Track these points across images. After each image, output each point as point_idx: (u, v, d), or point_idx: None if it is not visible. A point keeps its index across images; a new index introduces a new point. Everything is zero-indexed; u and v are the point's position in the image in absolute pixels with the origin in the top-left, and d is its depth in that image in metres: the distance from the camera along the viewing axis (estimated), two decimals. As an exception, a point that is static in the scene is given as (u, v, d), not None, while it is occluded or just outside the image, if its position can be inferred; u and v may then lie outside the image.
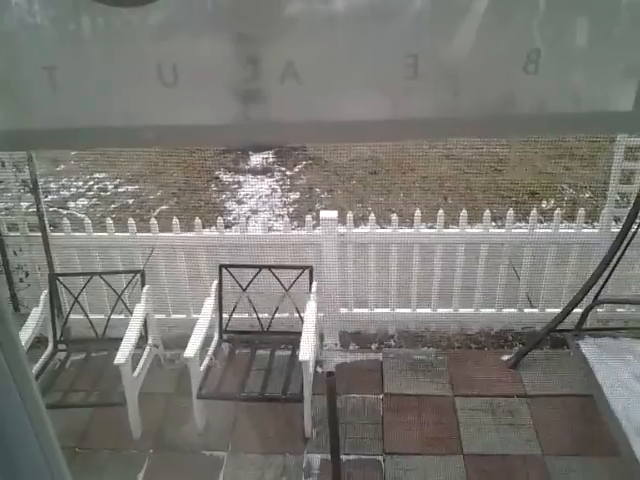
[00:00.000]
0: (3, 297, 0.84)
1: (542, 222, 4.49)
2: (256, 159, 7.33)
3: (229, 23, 0.67)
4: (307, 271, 3.90)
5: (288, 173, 7.07)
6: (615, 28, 0.66)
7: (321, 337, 4.29)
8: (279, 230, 4.43)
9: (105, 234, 4.19)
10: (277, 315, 3.99)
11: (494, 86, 0.69)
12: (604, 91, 0.70)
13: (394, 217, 4.05)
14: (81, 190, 6.86)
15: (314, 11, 0.65)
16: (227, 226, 4.78)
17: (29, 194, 4.07)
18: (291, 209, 6.31)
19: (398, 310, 4.35)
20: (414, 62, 0.66)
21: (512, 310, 4.32)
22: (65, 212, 6.08)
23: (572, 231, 4.08)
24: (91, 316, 4.04)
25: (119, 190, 6.81)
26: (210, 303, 3.92)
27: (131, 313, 3.86)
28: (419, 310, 4.34)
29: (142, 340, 3.84)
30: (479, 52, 0.67)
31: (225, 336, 3.99)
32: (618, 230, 3.67)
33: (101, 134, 0.74)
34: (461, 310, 4.33)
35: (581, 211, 4.01)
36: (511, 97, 0.69)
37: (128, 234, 4.16)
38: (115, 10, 0.64)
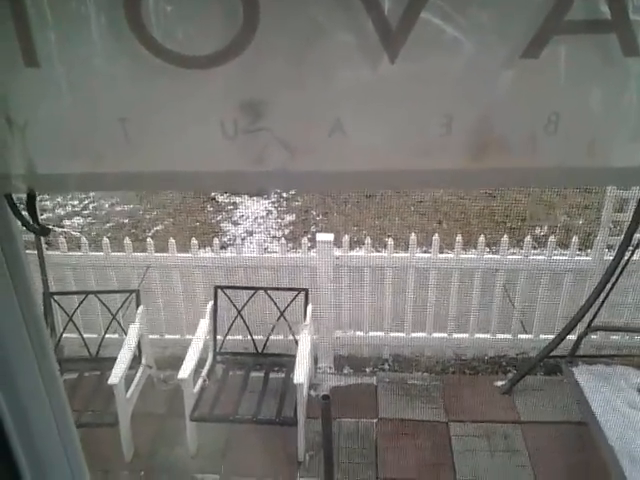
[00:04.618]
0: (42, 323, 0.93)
1: (536, 248, 4.52)
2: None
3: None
4: (302, 293, 3.90)
5: (284, 195, 7.09)
6: (626, 93, 0.74)
7: (315, 360, 4.28)
8: (275, 252, 4.44)
9: (101, 253, 4.18)
10: (272, 337, 3.99)
11: (517, 143, 0.76)
12: (617, 148, 0.77)
13: (389, 241, 4.08)
14: (77, 209, 6.86)
15: (361, 75, 0.73)
16: (222, 247, 4.78)
17: (25, 212, 4.07)
18: (286, 231, 6.32)
19: (392, 334, 4.35)
20: (448, 121, 0.74)
21: (506, 336, 4.33)
22: (60, 230, 6.07)
23: (566, 258, 4.11)
24: (85, 335, 4.02)
25: (115, 209, 6.82)
26: (205, 324, 3.91)
27: (125, 333, 3.84)
28: (413, 334, 4.34)
29: (135, 360, 3.81)
30: (505, 113, 0.75)
31: (219, 358, 3.97)
32: (611, 258, 3.71)
33: (166, 178, 0.82)
34: (455, 335, 4.33)
35: (575, 238, 4.04)
36: (532, 153, 0.76)
37: (124, 254, 4.16)
38: (183, 71, 0.72)
